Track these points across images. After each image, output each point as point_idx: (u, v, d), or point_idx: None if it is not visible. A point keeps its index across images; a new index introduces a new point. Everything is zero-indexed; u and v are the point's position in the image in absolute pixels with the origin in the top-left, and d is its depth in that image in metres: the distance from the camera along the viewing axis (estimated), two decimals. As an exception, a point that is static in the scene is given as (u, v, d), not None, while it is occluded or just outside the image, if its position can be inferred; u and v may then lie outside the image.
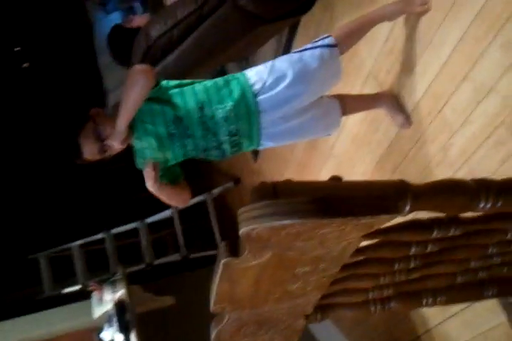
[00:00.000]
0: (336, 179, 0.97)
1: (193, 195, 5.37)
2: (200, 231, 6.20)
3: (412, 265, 1.15)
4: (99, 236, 5.51)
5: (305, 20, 3.23)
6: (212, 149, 2.14)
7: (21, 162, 6.03)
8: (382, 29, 2.49)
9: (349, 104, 2.44)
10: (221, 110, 2.06)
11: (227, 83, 2.12)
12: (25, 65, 6.38)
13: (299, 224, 0.81)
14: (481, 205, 0.95)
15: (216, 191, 5.39)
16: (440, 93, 2.26)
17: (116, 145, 2.02)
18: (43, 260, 5.68)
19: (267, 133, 2.19)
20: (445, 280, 1.24)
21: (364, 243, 1.03)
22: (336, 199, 0.79)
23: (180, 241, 5.21)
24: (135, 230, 5.47)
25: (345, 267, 1.10)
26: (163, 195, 2.12)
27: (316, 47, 2.16)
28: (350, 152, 3.13)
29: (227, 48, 2.90)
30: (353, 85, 2.87)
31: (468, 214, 1.02)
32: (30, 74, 6.29)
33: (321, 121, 2.33)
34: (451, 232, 1.02)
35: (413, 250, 1.08)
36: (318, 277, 1.08)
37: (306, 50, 2.18)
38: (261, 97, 2.10)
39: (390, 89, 2.57)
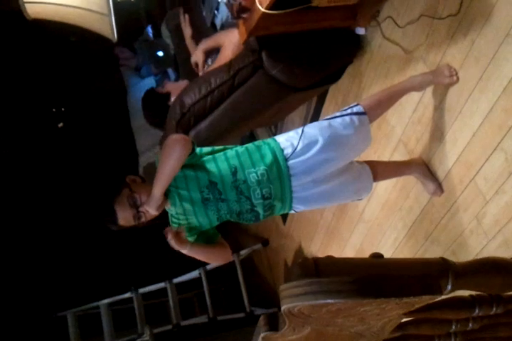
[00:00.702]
0: (377, 256, 0.97)
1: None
2: (228, 293, 6.13)
3: (453, 341, 1.13)
4: (127, 295, 5.48)
5: (334, 88, 3.31)
6: (245, 213, 2.15)
7: (55, 221, 6.11)
8: (412, 98, 2.54)
9: (380, 170, 2.46)
10: (254, 174, 2.09)
11: (258, 148, 2.16)
12: (60, 124, 6.58)
13: (340, 303, 0.81)
14: (524, 285, 0.94)
15: (244, 252, 5.35)
16: (471, 162, 2.26)
17: (151, 211, 2.03)
18: (71, 318, 5.65)
19: (298, 196, 2.20)
20: (486, 358, 1.21)
21: (404, 319, 1.02)
22: (378, 280, 0.79)
23: (207, 302, 5.14)
24: (163, 290, 5.43)
25: (384, 343, 1.08)
26: (200, 255, 2.13)
27: (345, 115, 2.21)
28: (380, 218, 3.12)
29: (258, 115, 2.98)
30: (383, 152, 2.90)
31: (511, 292, 1.00)
32: (64, 135, 6.48)
33: (352, 185, 2.34)
34: (493, 310, 1.01)
35: (454, 327, 1.06)
36: (357, 353, 1.07)
37: (335, 117, 2.22)
38: (292, 161, 2.13)
39: (420, 157, 2.59)
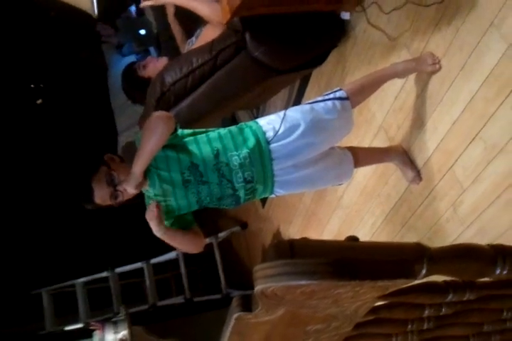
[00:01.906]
0: (352, 239, 0.97)
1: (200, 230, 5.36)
2: (205, 274, 6.15)
3: (426, 326, 1.14)
4: (104, 274, 5.47)
5: (317, 72, 3.30)
6: (226, 197, 2.14)
7: (31, 197, 6.05)
8: (394, 85, 2.54)
9: (361, 156, 2.46)
10: (236, 157, 2.08)
11: (241, 131, 2.15)
12: (38, 101, 6.48)
13: (314, 284, 0.81)
14: (498, 272, 0.94)
15: (222, 234, 5.37)
16: (451, 150, 2.28)
17: (129, 190, 2.00)
18: (46, 296, 5.64)
19: (279, 180, 2.20)
20: (458, 342, 1.23)
21: (378, 303, 1.03)
22: (353, 262, 0.79)
23: (184, 283, 5.16)
24: (139, 270, 5.43)
25: (357, 326, 1.09)
26: (174, 241, 2.10)
27: (327, 100, 2.21)
28: (359, 203, 3.14)
29: (240, 97, 2.96)
30: (363, 138, 2.91)
31: (484, 279, 1.01)
32: (42, 111, 6.39)
33: (333, 170, 2.35)
34: (467, 296, 1.02)
35: (427, 312, 1.07)
36: (330, 335, 1.07)
37: (318, 101, 2.22)
38: (273, 145, 2.12)
39: (400, 144, 2.60)
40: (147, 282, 5.27)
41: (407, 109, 2.52)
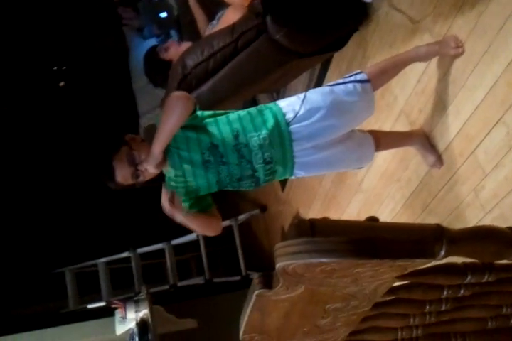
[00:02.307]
0: (372, 219, 0.99)
1: (220, 212, 5.40)
2: (225, 256, 6.20)
3: (443, 307, 1.15)
4: (125, 254, 5.55)
5: (338, 56, 3.27)
6: (246, 178, 2.15)
7: (55, 178, 6.13)
8: (416, 69, 2.51)
9: (382, 140, 2.44)
10: (256, 138, 2.09)
11: (260, 112, 2.16)
12: (61, 83, 6.53)
13: (334, 263, 0.83)
14: (517, 254, 0.96)
15: (242, 217, 5.40)
16: (473, 135, 2.26)
17: (150, 169, 2.01)
18: (69, 274, 5.73)
19: (299, 162, 2.20)
20: (476, 324, 1.24)
21: (397, 283, 1.04)
22: (372, 241, 0.81)
23: (204, 264, 5.21)
24: (161, 251, 5.50)
25: (376, 305, 1.10)
26: (192, 224, 2.13)
27: (348, 82, 2.20)
28: (379, 188, 3.13)
29: (260, 80, 2.95)
30: (384, 122, 2.89)
31: (503, 261, 1.02)
32: (65, 94, 6.43)
33: (353, 153, 2.34)
34: (485, 278, 1.03)
35: (445, 293, 1.08)
36: (348, 314, 1.10)
37: (338, 84, 2.21)
38: (293, 126, 2.12)
39: (421, 128, 2.59)
40: (168, 262, 5.33)
41: (429, 92, 2.50)
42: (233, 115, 2.16)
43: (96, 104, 6.21)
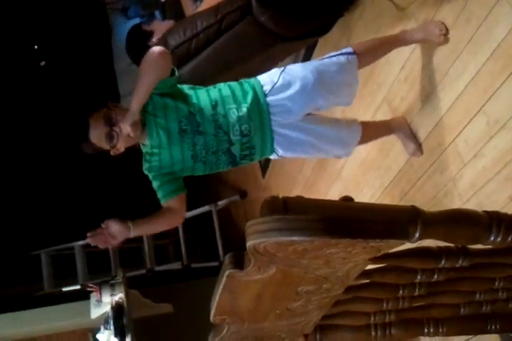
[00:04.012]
0: (347, 199, 0.97)
1: (199, 205, 5.32)
2: (203, 242, 6.19)
3: (417, 292, 1.14)
4: (103, 238, 5.50)
5: (322, 41, 3.25)
6: (222, 153, 2.11)
7: (33, 159, 6.06)
8: (399, 56, 2.50)
9: (365, 131, 2.40)
10: (234, 110, 2.07)
11: (240, 85, 2.15)
12: (42, 63, 6.43)
13: (306, 242, 0.81)
14: (492, 238, 0.94)
15: (222, 203, 5.37)
16: (453, 124, 2.26)
17: (126, 127, 1.97)
18: (45, 257, 5.67)
19: (279, 139, 2.16)
20: (449, 310, 1.24)
21: (370, 266, 1.03)
22: (345, 220, 0.79)
23: (182, 249, 5.19)
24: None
25: (349, 289, 1.09)
26: (145, 231, 2.22)
27: (333, 56, 2.17)
28: (359, 175, 3.13)
29: (243, 63, 2.91)
30: (367, 109, 2.88)
31: (478, 246, 1.01)
32: (46, 73, 6.34)
33: (337, 132, 2.29)
34: (459, 263, 1.02)
35: (419, 277, 1.07)
36: (320, 297, 1.08)
37: (323, 58, 2.19)
38: (271, 98, 2.10)
39: (403, 116, 2.57)
40: (145, 247, 5.30)
41: (412, 80, 2.49)
42: (213, 88, 2.15)
43: (77, 85, 6.12)
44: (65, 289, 5.03)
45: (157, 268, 5.22)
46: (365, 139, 2.46)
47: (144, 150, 2.13)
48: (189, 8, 3.26)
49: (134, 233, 2.06)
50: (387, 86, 2.69)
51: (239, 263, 0.95)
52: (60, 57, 6.33)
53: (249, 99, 2.09)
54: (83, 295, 4.48)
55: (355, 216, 0.80)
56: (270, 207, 0.82)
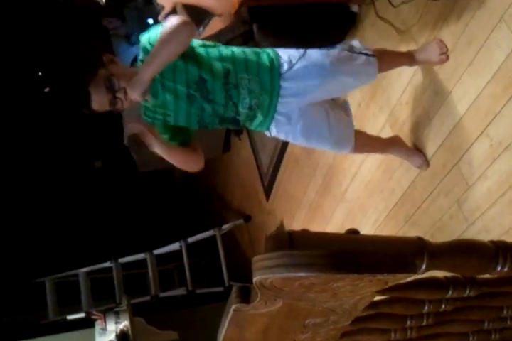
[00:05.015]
0: (352, 232, 0.97)
1: (203, 229, 5.32)
2: (208, 267, 6.16)
3: (425, 322, 1.13)
4: (107, 264, 5.48)
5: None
6: (227, 121, 2.05)
7: (36, 186, 6.08)
8: (401, 79, 2.53)
9: (363, 138, 2.37)
10: (246, 81, 1.96)
11: (256, 55, 2.03)
12: (46, 89, 6.48)
13: (313, 277, 0.81)
14: (499, 268, 0.94)
15: (226, 227, 5.35)
16: (456, 147, 2.26)
17: (134, 97, 1.83)
18: (49, 284, 5.64)
19: (278, 118, 2.10)
20: (457, 339, 1.22)
21: (377, 297, 1.02)
22: (352, 255, 0.79)
23: (187, 275, 5.16)
24: (143, 261, 5.44)
25: (356, 320, 1.08)
26: (174, 158, 1.99)
27: (355, 52, 2.10)
28: (363, 198, 3.12)
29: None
30: (370, 132, 2.87)
31: (485, 276, 1.00)
32: (50, 100, 6.39)
33: (333, 129, 2.21)
34: (467, 293, 1.01)
35: (426, 308, 1.06)
36: (328, 329, 1.07)
37: (345, 50, 2.10)
38: (285, 83, 2.01)
39: (397, 135, 2.57)
40: (150, 273, 5.27)
41: (414, 103, 2.50)
42: (226, 51, 2.01)
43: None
44: (69, 317, 5.00)
45: (162, 295, 5.19)
46: (362, 147, 2.41)
47: (145, 104, 1.99)
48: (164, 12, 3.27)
49: (163, 148, 1.93)
50: (389, 109, 2.70)
51: (245, 297, 0.95)
52: (64, 84, 6.37)
53: (263, 71, 1.98)
54: (88, 323, 4.44)
55: (361, 250, 0.80)
56: (276, 242, 0.82)
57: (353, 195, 3.23)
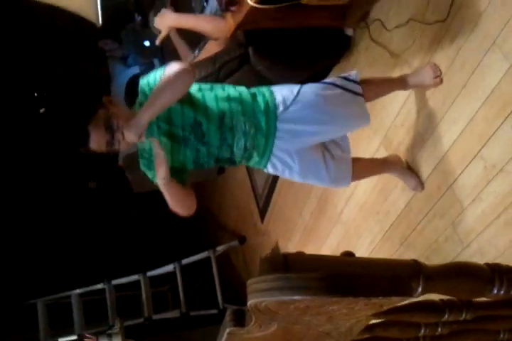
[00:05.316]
0: (348, 254, 0.96)
1: (197, 251, 5.29)
2: (202, 288, 6.11)
3: (421, 346, 1.12)
4: (100, 286, 5.43)
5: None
6: (223, 161, 2.07)
7: (30, 206, 6.05)
8: (395, 102, 2.54)
9: (359, 167, 2.39)
10: (242, 124, 1.99)
11: (253, 97, 2.06)
12: (41, 110, 6.50)
13: (308, 300, 0.80)
14: (495, 291, 0.93)
15: (220, 248, 5.33)
16: (451, 169, 2.27)
17: (131, 138, 1.86)
18: (41, 306, 5.58)
19: (274, 160, 2.13)
20: (453, 363, 1.20)
21: (373, 321, 1.01)
22: (347, 278, 0.78)
23: (181, 297, 5.11)
24: (136, 282, 5.39)
25: (351, 344, 1.07)
26: (171, 193, 1.98)
27: (345, 89, 2.12)
28: (358, 220, 3.12)
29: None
30: (364, 154, 2.89)
31: (481, 299, 1.00)
32: (45, 120, 6.41)
33: (329, 171, 2.25)
34: (463, 316, 1.00)
35: (422, 331, 1.06)
36: (323, 353, 1.06)
37: (335, 85, 2.12)
38: (280, 124, 2.04)
39: (396, 155, 2.59)
40: (143, 295, 5.22)
41: (408, 125, 2.52)
42: (222, 92, 2.04)
43: (76, 131, 6.16)
44: (61, 339, 4.94)
45: (155, 317, 5.13)
46: (360, 176, 2.46)
47: (141, 146, 2.02)
48: (185, 56, 3.32)
49: (167, 179, 1.92)
50: (384, 131, 2.71)
51: (240, 321, 0.94)
52: (60, 104, 6.39)
53: (259, 117, 2.01)
54: (80, 346, 4.39)
55: (357, 273, 0.79)
56: (271, 265, 0.81)
57: (349, 217, 3.23)
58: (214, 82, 2.75)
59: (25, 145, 6.09)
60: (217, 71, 2.76)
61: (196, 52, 3.17)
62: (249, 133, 2.01)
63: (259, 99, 2.05)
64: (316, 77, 3.08)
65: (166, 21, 2.73)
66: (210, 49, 2.93)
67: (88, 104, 1.97)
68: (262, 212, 4.66)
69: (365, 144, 2.87)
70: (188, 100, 1.96)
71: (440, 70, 2.25)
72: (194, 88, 2.04)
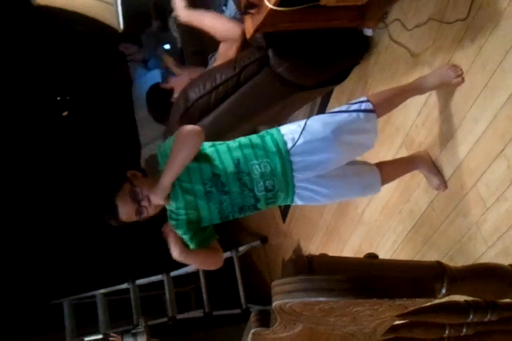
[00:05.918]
0: (371, 256, 0.97)
1: (220, 243, 5.34)
2: (225, 288, 6.13)
3: (445, 346, 1.12)
4: (124, 286, 5.49)
5: (338, 88, 3.30)
6: (247, 208, 2.14)
7: (54, 208, 6.12)
8: (416, 101, 2.52)
9: (388, 171, 2.42)
10: (257, 166, 2.08)
11: (262, 139, 2.16)
12: (64, 113, 6.58)
13: (333, 301, 0.81)
14: (519, 292, 0.93)
15: (242, 249, 5.35)
16: (473, 168, 2.25)
17: (157, 201, 2.01)
18: (67, 306, 5.66)
19: (299, 192, 2.19)
20: (478, 364, 1.20)
21: (397, 321, 1.02)
22: (371, 280, 0.79)
23: (204, 296, 5.15)
24: (160, 282, 5.44)
25: (375, 345, 1.08)
26: (193, 261, 2.14)
27: (353, 111, 2.18)
28: (380, 220, 3.11)
29: (262, 113, 2.97)
30: (386, 154, 2.89)
31: (506, 300, 1.00)
32: (68, 123, 6.48)
33: (356, 188, 2.34)
34: (488, 317, 1.00)
35: (447, 332, 1.06)
36: (347, 353, 1.06)
37: (341, 111, 2.20)
38: (293, 157, 2.11)
39: (425, 150, 2.56)
40: (167, 294, 5.27)
41: (430, 125, 2.50)
42: (233, 143, 2.15)
43: (98, 134, 6.24)
44: (87, 339, 5.00)
45: (179, 316, 5.17)
46: (388, 178, 2.47)
47: (169, 208, 2.14)
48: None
49: (186, 257, 2.04)
50: (405, 130, 2.70)
51: (265, 321, 0.95)
52: (83, 108, 6.47)
53: (271, 154, 2.10)
54: (105, 346, 4.44)
55: (381, 275, 0.80)
56: (295, 266, 0.83)
57: (371, 218, 3.22)
58: (234, 86, 2.79)
59: (50, 148, 6.18)
60: (238, 74, 2.77)
61: (212, 59, 3.20)
62: (266, 174, 2.08)
63: (267, 139, 2.15)
64: (336, 78, 3.09)
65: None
66: (223, 53, 2.95)
67: (114, 182, 2.10)
68: (284, 213, 4.67)
69: (387, 144, 2.86)
70: (203, 157, 2.08)
71: (461, 69, 2.24)
72: (207, 145, 2.16)
